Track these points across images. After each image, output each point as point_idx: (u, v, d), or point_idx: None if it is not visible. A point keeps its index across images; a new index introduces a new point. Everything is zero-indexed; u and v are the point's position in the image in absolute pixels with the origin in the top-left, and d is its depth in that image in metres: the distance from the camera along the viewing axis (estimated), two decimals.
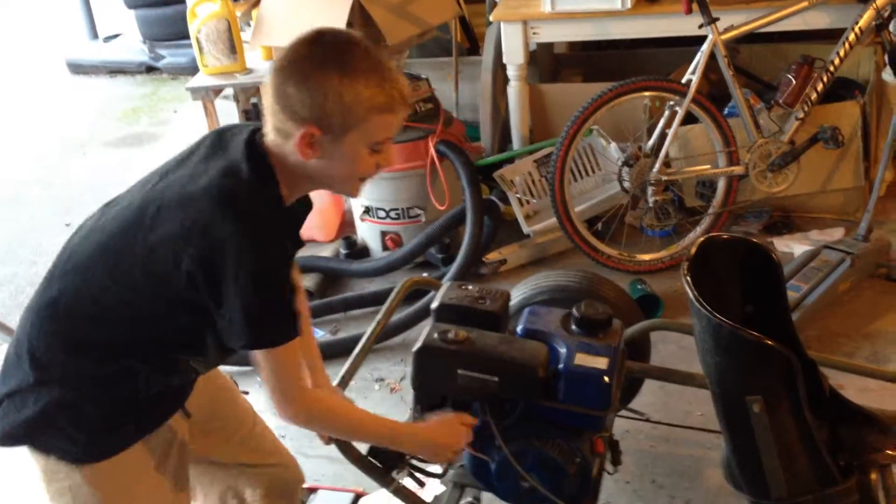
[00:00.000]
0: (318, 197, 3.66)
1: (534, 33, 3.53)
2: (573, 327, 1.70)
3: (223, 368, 1.80)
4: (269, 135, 1.40)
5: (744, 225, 3.44)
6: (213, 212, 1.33)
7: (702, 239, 1.79)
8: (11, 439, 1.44)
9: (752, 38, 3.49)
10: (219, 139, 1.46)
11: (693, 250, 1.75)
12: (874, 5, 3.06)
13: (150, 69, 6.63)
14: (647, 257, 3.23)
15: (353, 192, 1.53)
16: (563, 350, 1.64)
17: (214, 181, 1.36)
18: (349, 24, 3.51)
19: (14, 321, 3.29)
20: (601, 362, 1.60)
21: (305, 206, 1.60)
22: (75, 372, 1.41)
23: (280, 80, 1.36)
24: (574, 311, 1.70)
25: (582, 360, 1.61)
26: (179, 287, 1.35)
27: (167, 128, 5.58)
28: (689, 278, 1.67)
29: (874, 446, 1.82)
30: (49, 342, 1.41)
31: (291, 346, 1.42)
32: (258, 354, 1.41)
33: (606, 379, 1.59)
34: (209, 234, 1.32)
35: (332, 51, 1.36)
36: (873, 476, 1.76)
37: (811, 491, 1.58)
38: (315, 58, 1.36)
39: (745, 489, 1.68)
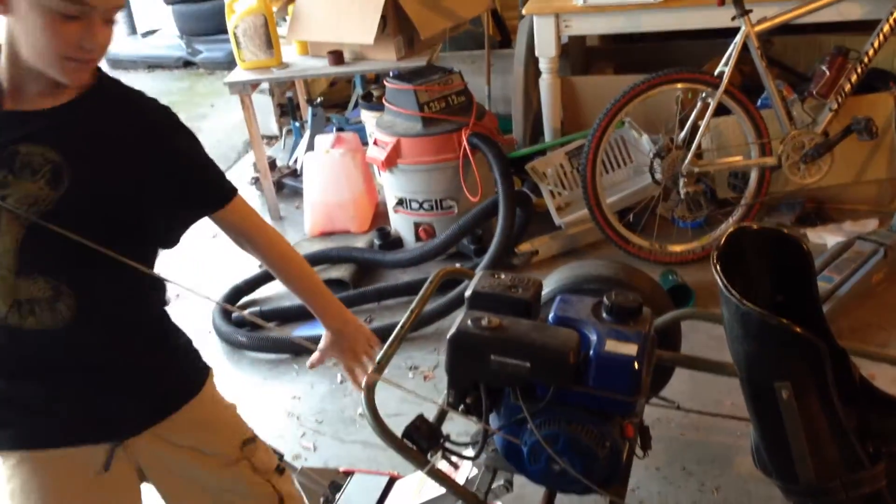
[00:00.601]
0: (351, 188, 3.75)
1: (566, 26, 3.55)
2: (604, 315, 1.73)
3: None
4: None
5: (776, 216, 3.44)
6: None
7: (732, 229, 1.81)
8: None
9: (786, 29, 3.48)
10: None
11: (723, 240, 1.78)
12: None
13: (187, 64, 6.75)
14: (678, 248, 3.25)
15: (65, 75, 1.27)
16: (593, 337, 1.67)
17: None
18: (383, 17, 3.57)
19: None
20: (631, 349, 1.63)
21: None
22: None
23: None
24: (605, 299, 1.73)
25: (612, 346, 1.64)
26: None
27: (204, 122, 5.68)
28: (718, 267, 1.70)
29: None
30: None
31: None
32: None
33: (636, 365, 1.62)
34: None
35: None
36: None
37: (839, 476, 1.60)
38: None
39: (774, 474, 1.71)
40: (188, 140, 1.49)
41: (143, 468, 1.51)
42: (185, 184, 1.46)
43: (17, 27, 1.22)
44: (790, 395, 1.57)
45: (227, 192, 1.52)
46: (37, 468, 1.38)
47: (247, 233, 1.57)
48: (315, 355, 1.73)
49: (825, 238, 3.23)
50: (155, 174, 1.39)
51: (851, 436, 1.60)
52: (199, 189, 1.49)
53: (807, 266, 1.83)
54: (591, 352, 1.66)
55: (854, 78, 3.12)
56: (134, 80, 6.68)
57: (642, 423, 1.82)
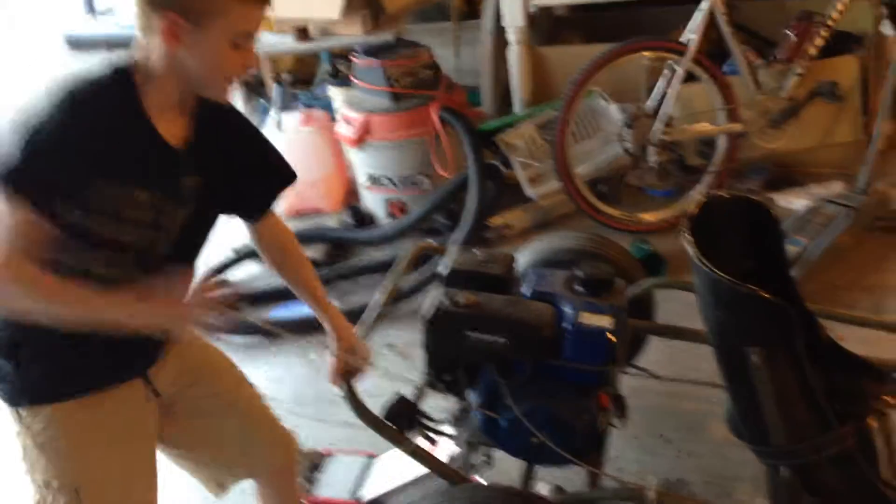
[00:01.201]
0: (322, 167, 3.72)
1: None
2: (577, 288, 1.74)
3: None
4: (136, 45, 1.39)
5: (745, 182, 3.47)
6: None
7: (702, 198, 1.82)
8: None
9: None
10: None
11: (693, 209, 1.79)
12: None
13: None
14: (649, 217, 3.27)
15: (222, 94, 1.48)
16: (568, 310, 1.69)
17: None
18: None
19: None
20: (605, 320, 1.65)
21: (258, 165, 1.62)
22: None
23: None
24: (577, 271, 1.75)
25: (587, 318, 1.66)
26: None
27: None
28: (689, 236, 1.71)
29: (872, 394, 1.88)
30: None
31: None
32: None
33: (611, 336, 1.64)
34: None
35: None
36: (871, 423, 1.83)
37: (809, 437, 1.63)
38: None
39: (748, 438, 1.74)
40: (267, 144, 1.68)
41: (169, 401, 1.64)
42: (257, 186, 1.67)
43: (187, 58, 1.38)
44: (761, 359, 1.59)
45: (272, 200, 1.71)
46: (95, 410, 1.50)
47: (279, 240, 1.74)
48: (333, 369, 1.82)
49: (792, 202, 3.27)
50: (243, 178, 1.62)
51: (820, 398, 1.63)
52: (265, 192, 1.70)
53: (776, 231, 1.85)
54: (567, 325, 1.67)
55: (819, 42, 3.14)
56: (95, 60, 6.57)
57: (618, 393, 1.84)
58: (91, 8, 7.20)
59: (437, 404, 2.05)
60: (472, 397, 1.76)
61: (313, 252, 3.37)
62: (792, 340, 1.61)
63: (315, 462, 2.25)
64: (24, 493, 1.55)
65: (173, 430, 1.67)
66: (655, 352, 2.53)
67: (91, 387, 1.50)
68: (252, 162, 1.63)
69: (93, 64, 1.40)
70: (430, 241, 2.46)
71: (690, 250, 1.67)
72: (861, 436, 1.77)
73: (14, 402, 1.48)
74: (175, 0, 1.33)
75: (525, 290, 1.78)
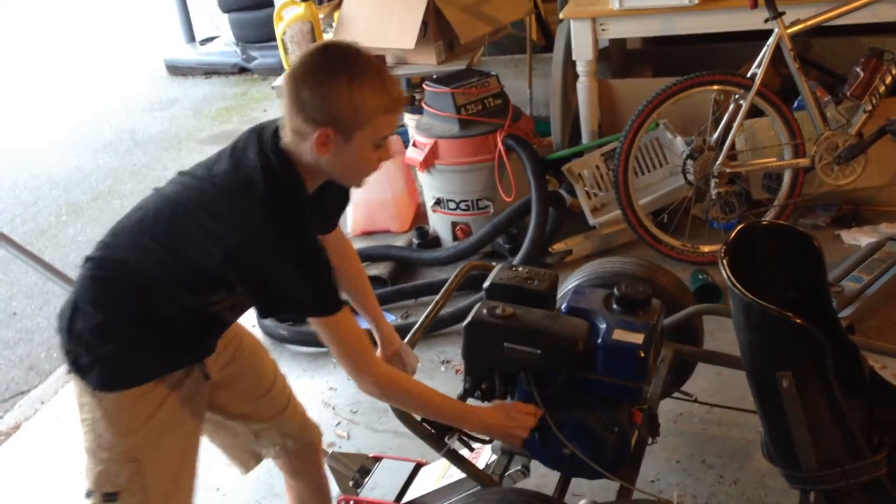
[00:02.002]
0: (393, 189, 3.86)
1: (602, 30, 3.61)
2: (614, 305, 1.81)
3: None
4: (288, 136, 1.57)
5: (812, 217, 3.45)
6: (245, 207, 1.53)
7: (742, 225, 1.87)
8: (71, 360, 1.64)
9: (825, 31, 3.49)
10: (256, 137, 1.63)
11: (733, 235, 1.84)
12: None
13: (242, 70, 6.98)
14: (708, 248, 3.28)
15: (359, 184, 1.70)
16: (602, 326, 1.75)
17: (246, 178, 1.56)
18: (424, 22, 3.68)
19: None
20: (637, 337, 1.71)
21: (339, 195, 1.82)
22: (113, 309, 1.62)
23: (295, 87, 1.52)
24: (615, 290, 1.81)
25: (619, 335, 1.72)
26: (214, 267, 1.54)
27: None
28: (726, 261, 1.76)
29: None
30: (97, 286, 1.63)
31: (346, 318, 1.60)
32: (317, 326, 1.61)
33: (641, 353, 1.70)
34: (242, 228, 1.52)
35: (339, 60, 1.53)
36: None
37: (839, 464, 1.65)
38: (326, 66, 1.52)
39: (779, 462, 1.76)
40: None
41: (217, 382, 1.81)
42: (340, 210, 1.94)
43: (334, 161, 1.58)
44: (791, 383, 1.62)
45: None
46: (162, 391, 1.67)
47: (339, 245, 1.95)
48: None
49: (859, 239, 3.24)
50: (335, 210, 1.92)
51: (851, 424, 1.65)
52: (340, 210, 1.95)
53: (818, 262, 1.87)
54: (600, 340, 1.74)
55: (889, 79, 3.12)
56: (192, 85, 6.95)
57: (652, 411, 1.88)
58: (191, 37, 7.63)
59: None
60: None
61: (379, 269, 3.50)
62: (823, 366, 1.63)
63: (365, 466, 2.35)
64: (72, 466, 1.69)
65: (219, 399, 1.82)
66: (705, 379, 2.55)
67: (163, 372, 1.66)
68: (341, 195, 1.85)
69: (255, 162, 1.57)
70: (481, 261, 2.55)
71: (725, 273, 1.72)
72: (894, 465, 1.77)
73: (95, 383, 1.60)
74: (329, 117, 1.51)
75: (564, 306, 1.85)
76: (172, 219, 1.60)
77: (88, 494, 1.66)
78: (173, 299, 1.60)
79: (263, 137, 1.61)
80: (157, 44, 7.97)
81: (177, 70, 7.25)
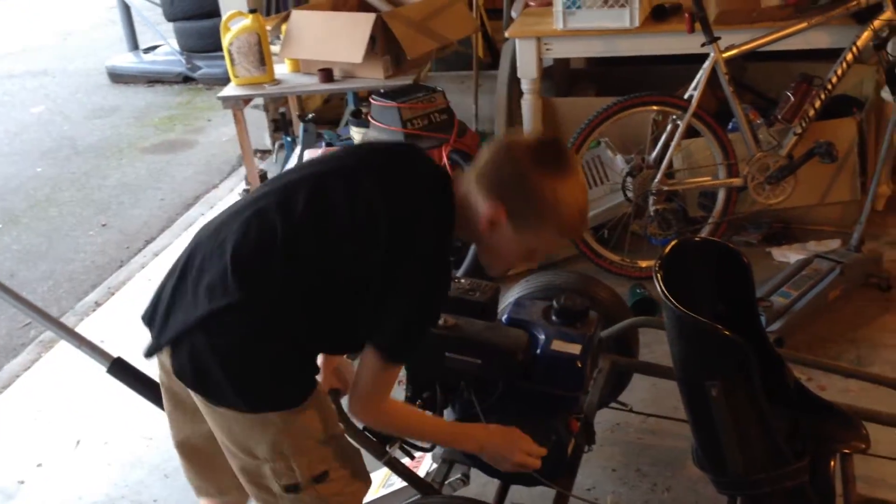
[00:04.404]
0: None
1: (547, 49, 3.70)
2: (553, 317, 1.86)
3: None
4: (466, 186, 1.58)
5: (744, 235, 3.57)
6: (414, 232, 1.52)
7: (675, 241, 1.94)
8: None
9: (760, 56, 3.62)
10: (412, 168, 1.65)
11: (667, 250, 1.91)
12: (872, 26, 3.19)
13: (186, 79, 6.91)
14: (646, 264, 3.37)
15: (491, 272, 1.73)
16: (541, 337, 1.81)
17: (415, 210, 1.55)
18: (372, 37, 3.72)
19: (53, 314, 3.51)
20: (575, 348, 1.77)
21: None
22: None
23: (501, 160, 1.54)
24: (554, 302, 1.87)
25: (558, 346, 1.78)
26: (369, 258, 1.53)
27: (201, 135, 5.84)
28: (659, 275, 1.83)
29: (837, 437, 1.97)
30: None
31: (399, 368, 1.61)
32: (373, 357, 1.57)
33: (579, 364, 1.75)
34: (414, 231, 1.51)
35: (559, 168, 1.54)
36: (832, 463, 1.91)
37: (765, 470, 1.72)
38: (542, 166, 1.53)
39: (708, 469, 1.83)
40: None
41: None
42: None
43: (489, 239, 1.59)
44: (719, 392, 1.70)
45: None
46: (319, 405, 1.67)
47: None
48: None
49: (788, 256, 3.36)
50: None
51: (776, 433, 1.73)
52: None
53: (747, 277, 1.96)
54: (539, 350, 1.79)
55: (818, 104, 3.26)
56: (134, 93, 6.86)
57: (588, 420, 1.94)
58: (134, 45, 7.53)
59: None
60: (449, 415, 1.88)
61: None
62: (750, 376, 1.70)
63: None
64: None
65: None
66: (641, 390, 2.63)
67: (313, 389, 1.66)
68: None
69: (426, 201, 1.57)
70: None
71: (659, 286, 1.79)
72: (820, 474, 1.86)
73: (274, 405, 1.59)
74: (511, 201, 1.52)
75: (504, 317, 1.90)
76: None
77: (295, 489, 1.64)
78: None
79: (426, 173, 1.61)
80: (98, 50, 7.85)
81: (119, 78, 7.14)
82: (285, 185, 1.65)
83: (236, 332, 1.55)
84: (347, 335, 1.65)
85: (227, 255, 1.55)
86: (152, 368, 2.09)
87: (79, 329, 3.33)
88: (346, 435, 1.77)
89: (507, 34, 3.82)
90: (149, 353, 1.68)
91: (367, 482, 1.75)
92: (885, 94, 3.42)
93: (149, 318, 1.68)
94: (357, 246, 1.53)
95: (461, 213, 1.58)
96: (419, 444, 1.92)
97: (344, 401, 1.83)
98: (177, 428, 1.79)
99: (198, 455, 1.81)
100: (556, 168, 1.54)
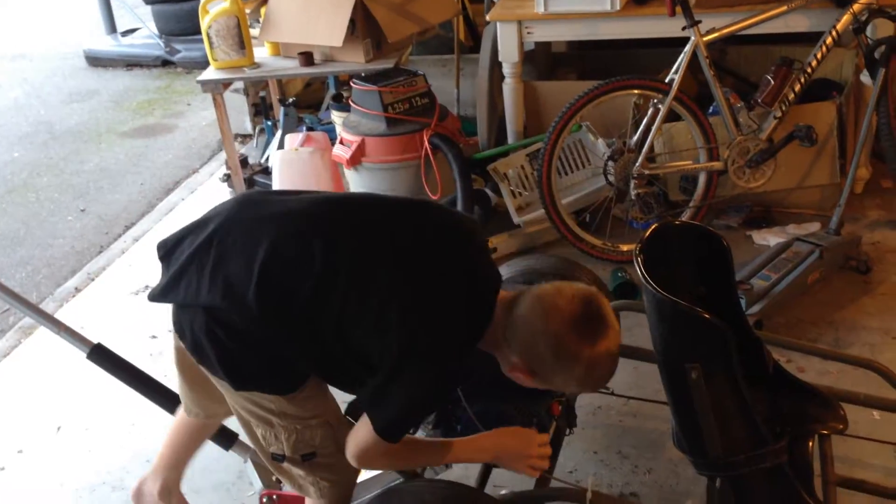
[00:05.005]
0: (319, 186, 3.86)
1: (528, 33, 3.69)
2: None
3: None
4: (500, 333, 1.60)
5: (725, 219, 3.59)
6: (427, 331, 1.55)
7: (655, 225, 1.95)
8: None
9: (740, 39, 3.64)
10: (466, 237, 1.69)
11: (647, 234, 1.91)
12: (851, 10, 3.20)
13: (165, 63, 6.84)
14: (628, 247, 3.39)
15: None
16: None
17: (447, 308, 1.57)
18: (352, 21, 3.69)
19: (32, 300, 3.49)
20: None
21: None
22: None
23: (537, 330, 1.55)
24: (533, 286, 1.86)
25: None
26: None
27: (180, 119, 5.78)
28: (640, 259, 1.83)
29: (815, 418, 1.99)
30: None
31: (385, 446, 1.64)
32: (364, 425, 1.62)
33: None
34: (412, 340, 1.53)
35: (596, 335, 1.55)
36: (810, 444, 1.93)
37: (744, 451, 1.74)
38: (577, 335, 1.54)
39: (688, 451, 1.84)
40: None
41: None
42: None
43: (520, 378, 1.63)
44: (699, 375, 1.71)
45: None
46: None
47: None
48: None
49: (768, 239, 3.39)
50: None
51: (755, 414, 1.74)
52: None
53: (727, 261, 1.97)
54: None
55: (797, 87, 3.27)
56: (112, 77, 6.78)
57: (570, 403, 1.95)
58: (112, 28, 7.44)
59: None
60: None
61: None
62: (729, 358, 1.71)
63: None
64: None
65: None
66: (622, 373, 2.58)
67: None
68: None
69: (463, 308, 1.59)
70: None
71: (639, 270, 1.80)
72: (798, 455, 1.88)
73: (262, 389, 1.67)
74: (542, 366, 1.57)
75: None
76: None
77: (280, 458, 1.75)
78: None
79: (481, 277, 1.64)
80: (75, 34, 7.75)
81: (97, 61, 7.06)
82: (334, 218, 1.67)
83: (238, 334, 1.60)
84: (341, 381, 1.73)
85: (257, 264, 1.57)
86: (131, 354, 2.09)
87: (58, 315, 3.31)
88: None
89: (488, 17, 3.81)
90: (153, 298, 1.72)
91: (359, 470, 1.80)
92: (865, 77, 3.44)
93: (164, 256, 1.73)
94: (379, 329, 1.55)
95: (489, 341, 1.61)
96: None
97: None
98: (182, 355, 1.82)
99: (196, 382, 1.87)
100: (594, 336, 1.54)
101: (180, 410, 2.04)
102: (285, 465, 1.77)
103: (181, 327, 1.67)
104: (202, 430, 2.10)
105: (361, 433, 1.63)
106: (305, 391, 1.69)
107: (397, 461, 1.75)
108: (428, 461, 1.82)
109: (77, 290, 3.72)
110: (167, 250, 1.72)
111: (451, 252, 1.64)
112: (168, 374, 2.25)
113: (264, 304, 1.56)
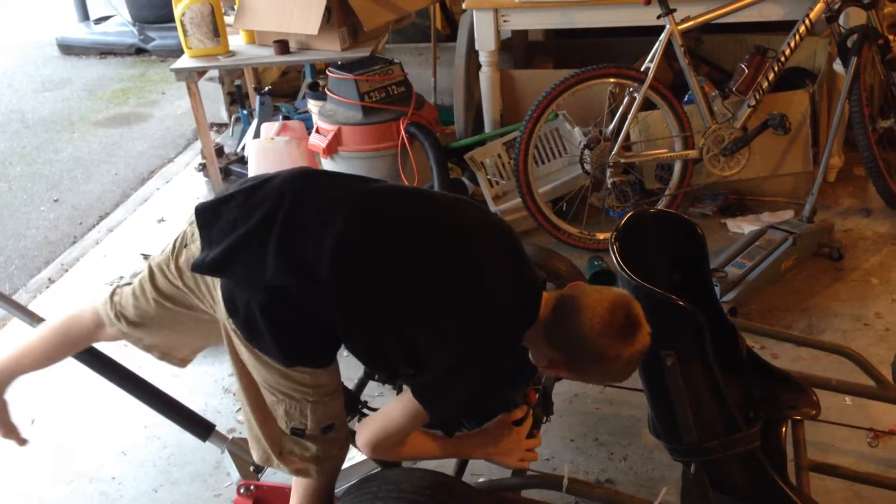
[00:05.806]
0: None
1: (504, 21, 3.68)
2: None
3: None
4: (546, 321, 1.64)
5: (700, 207, 3.61)
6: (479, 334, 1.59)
7: (631, 213, 1.96)
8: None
9: (716, 28, 3.65)
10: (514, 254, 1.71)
11: (622, 222, 1.93)
12: None
13: (139, 51, 6.76)
14: (604, 236, 3.40)
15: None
16: None
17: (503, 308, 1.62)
18: (327, 9, 3.67)
19: (5, 291, 3.45)
20: None
21: None
22: None
23: (570, 332, 1.59)
24: None
25: None
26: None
27: (154, 108, 5.72)
28: (616, 246, 1.85)
29: (789, 404, 2.02)
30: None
31: (424, 420, 1.66)
32: (407, 398, 1.64)
33: None
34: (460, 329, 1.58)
35: (626, 335, 1.59)
36: (783, 429, 1.96)
37: (718, 437, 1.76)
38: (609, 337, 1.58)
39: (663, 437, 1.86)
40: None
41: None
42: None
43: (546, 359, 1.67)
44: (674, 361, 1.72)
45: None
46: None
47: None
48: None
49: (743, 227, 3.41)
50: None
51: (729, 400, 1.76)
52: None
53: (701, 248, 1.98)
54: None
55: (771, 76, 3.30)
56: (85, 65, 6.70)
57: (546, 391, 1.96)
58: (85, 15, 7.34)
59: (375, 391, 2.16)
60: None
61: None
62: (703, 345, 1.73)
63: None
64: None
65: None
66: None
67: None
68: None
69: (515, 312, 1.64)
70: None
71: (615, 258, 1.81)
72: (772, 440, 1.90)
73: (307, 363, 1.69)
74: (577, 362, 1.63)
75: None
76: None
77: (300, 433, 1.75)
78: None
79: (528, 285, 1.67)
80: (47, 21, 7.64)
81: (69, 49, 6.96)
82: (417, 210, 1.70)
83: (296, 312, 1.62)
84: (373, 360, 1.78)
85: (328, 247, 1.58)
86: (103, 345, 2.07)
87: (32, 307, 3.27)
88: None
89: (464, 6, 3.79)
90: (201, 270, 1.68)
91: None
92: (837, 66, 3.47)
93: (205, 224, 1.69)
94: (439, 327, 1.60)
95: (527, 337, 1.66)
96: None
97: None
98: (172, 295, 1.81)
99: (178, 321, 1.87)
100: (633, 340, 1.59)
101: (52, 323, 2.00)
102: (298, 444, 1.76)
103: (234, 304, 1.64)
104: (83, 341, 2.03)
105: (389, 421, 1.67)
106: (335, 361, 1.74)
107: (408, 451, 1.77)
108: (432, 455, 1.84)
109: (50, 280, 3.68)
110: (207, 219, 1.70)
111: (506, 252, 1.68)
112: (142, 366, 2.24)
113: (341, 287, 1.58)
